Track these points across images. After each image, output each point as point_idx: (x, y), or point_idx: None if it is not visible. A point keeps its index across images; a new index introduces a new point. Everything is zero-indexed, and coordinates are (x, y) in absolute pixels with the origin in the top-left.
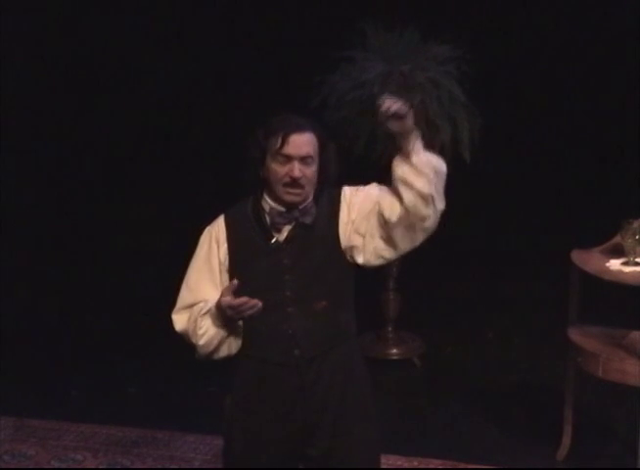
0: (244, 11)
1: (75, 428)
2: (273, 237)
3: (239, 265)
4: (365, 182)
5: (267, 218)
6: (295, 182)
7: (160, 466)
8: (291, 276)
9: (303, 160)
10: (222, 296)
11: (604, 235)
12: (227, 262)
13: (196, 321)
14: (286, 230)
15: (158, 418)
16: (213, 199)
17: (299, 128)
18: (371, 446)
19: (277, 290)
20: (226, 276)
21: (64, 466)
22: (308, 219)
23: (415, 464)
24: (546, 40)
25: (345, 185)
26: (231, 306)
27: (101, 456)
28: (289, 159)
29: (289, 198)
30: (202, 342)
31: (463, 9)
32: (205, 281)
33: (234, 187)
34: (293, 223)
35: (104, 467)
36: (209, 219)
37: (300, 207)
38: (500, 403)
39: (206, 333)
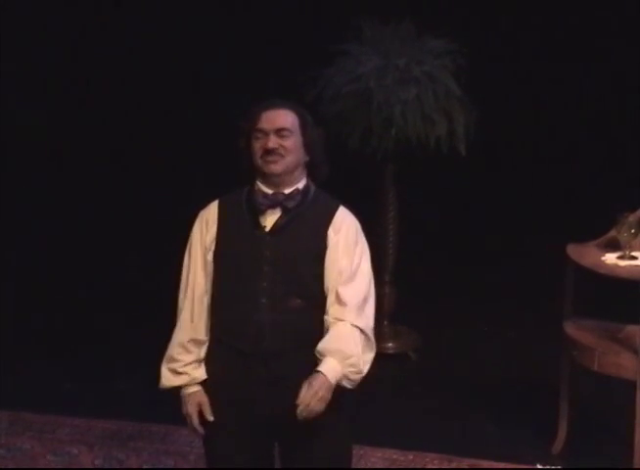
0: (239, 4)
1: (71, 422)
2: (259, 224)
3: (223, 249)
4: (362, 177)
5: (254, 201)
6: (270, 153)
7: (155, 460)
8: (269, 268)
9: (279, 132)
10: (195, 410)
11: (599, 229)
12: (214, 245)
13: (178, 360)
14: (273, 219)
15: (153, 412)
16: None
17: (274, 105)
18: (340, 444)
19: (254, 280)
20: (210, 258)
21: (59, 460)
22: (291, 204)
23: (410, 458)
24: (543, 34)
25: (341, 179)
26: (186, 415)
27: (96, 450)
28: (265, 133)
29: (267, 168)
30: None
31: (459, 2)
32: (196, 264)
33: (226, 183)
34: (279, 211)
35: (99, 461)
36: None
37: (287, 192)
38: (495, 397)
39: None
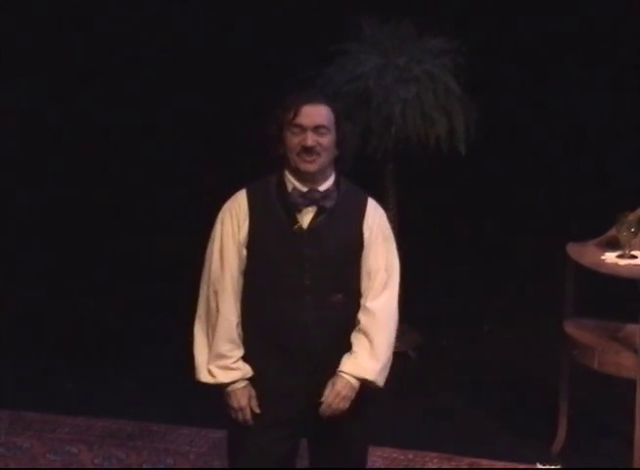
0: (239, 4)
1: (71, 421)
2: (296, 222)
3: (260, 246)
4: (362, 177)
5: (289, 200)
6: (308, 150)
7: (155, 459)
8: (310, 266)
9: (317, 130)
10: (247, 403)
11: (599, 228)
12: (247, 241)
13: (227, 356)
14: (309, 217)
15: (153, 411)
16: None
17: (313, 100)
18: (366, 436)
19: (296, 277)
20: (245, 254)
21: (59, 459)
22: (329, 203)
23: (410, 457)
24: (543, 32)
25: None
26: (239, 409)
27: (96, 449)
28: (302, 129)
29: (303, 166)
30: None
31: (459, 1)
32: (232, 261)
33: (227, 182)
34: (314, 208)
35: (99, 460)
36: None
37: (322, 189)
38: (495, 396)
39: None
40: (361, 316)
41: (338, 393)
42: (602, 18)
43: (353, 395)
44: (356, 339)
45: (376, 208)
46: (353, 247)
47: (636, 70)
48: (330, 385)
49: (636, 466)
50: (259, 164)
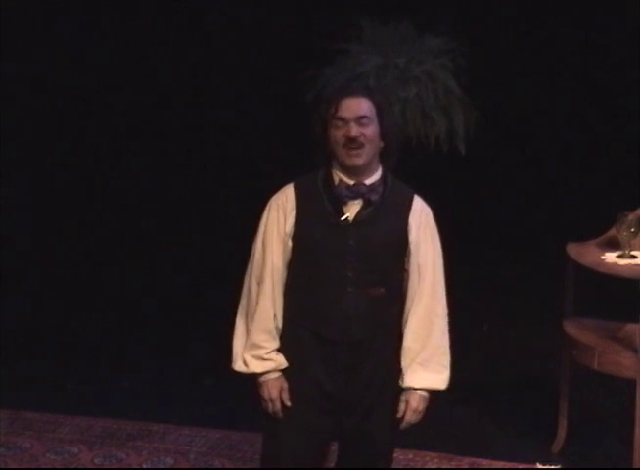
0: (240, 4)
1: (71, 421)
2: (342, 214)
3: (305, 237)
4: None
5: (336, 192)
6: (353, 141)
7: (155, 459)
8: (354, 258)
9: (359, 120)
10: (278, 395)
11: (599, 228)
12: (292, 232)
13: (261, 346)
14: (354, 209)
15: (153, 411)
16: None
17: (352, 92)
18: (394, 438)
19: (339, 269)
20: (290, 244)
21: (59, 459)
22: (375, 196)
23: (410, 457)
24: (542, 31)
25: None
26: (270, 400)
27: (96, 449)
28: (345, 121)
29: (350, 160)
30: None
31: (458, 2)
32: (274, 252)
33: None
34: (360, 201)
35: (99, 460)
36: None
37: (368, 182)
38: (495, 396)
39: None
40: (415, 320)
41: (415, 410)
42: (602, 17)
43: (427, 404)
44: (417, 346)
45: (422, 204)
46: (397, 241)
47: (636, 70)
48: (404, 402)
49: (636, 466)
50: (258, 163)
